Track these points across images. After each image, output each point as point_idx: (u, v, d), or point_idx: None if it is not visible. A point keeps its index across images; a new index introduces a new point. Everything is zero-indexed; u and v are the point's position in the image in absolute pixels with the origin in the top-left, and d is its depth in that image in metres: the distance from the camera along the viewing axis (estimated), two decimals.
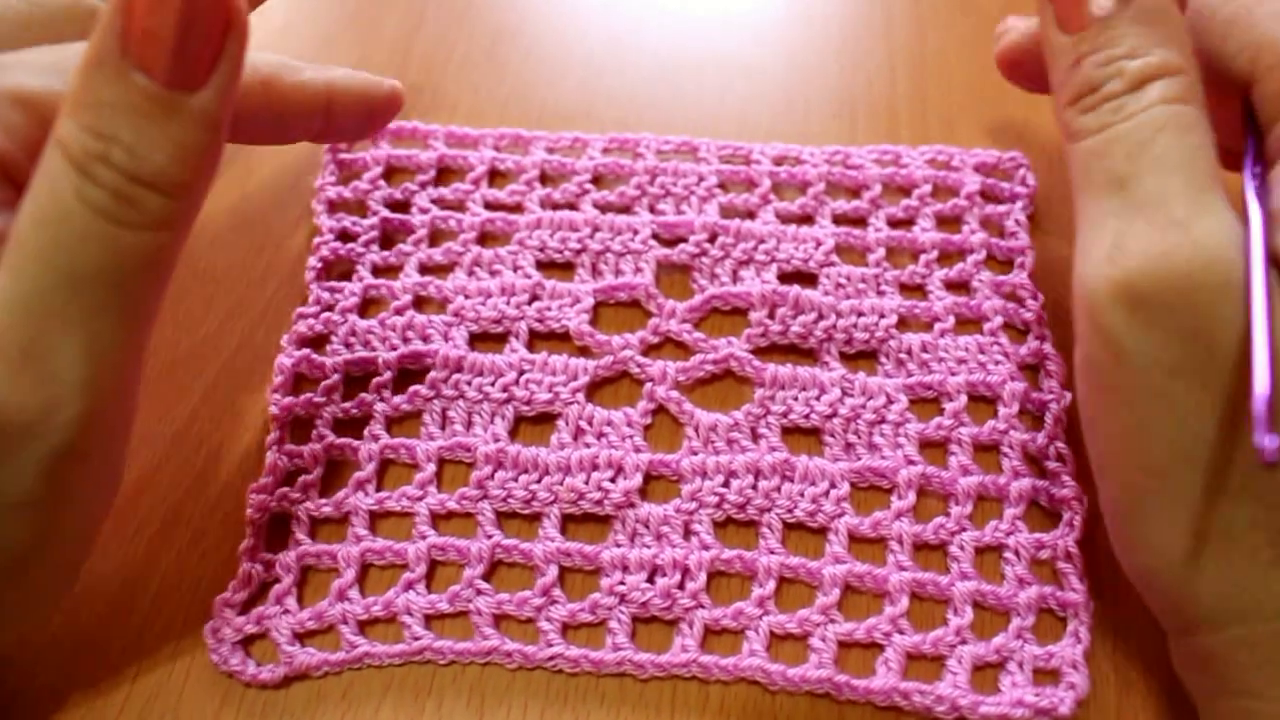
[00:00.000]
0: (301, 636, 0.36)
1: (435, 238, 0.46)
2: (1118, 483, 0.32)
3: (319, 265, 0.44)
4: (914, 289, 0.44)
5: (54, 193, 0.25)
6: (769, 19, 0.57)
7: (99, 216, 0.25)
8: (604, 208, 0.46)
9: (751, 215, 0.46)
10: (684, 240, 0.45)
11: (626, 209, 0.46)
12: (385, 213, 0.46)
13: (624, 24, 0.56)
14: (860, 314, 0.42)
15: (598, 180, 0.47)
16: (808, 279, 0.44)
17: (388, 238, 0.46)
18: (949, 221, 0.46)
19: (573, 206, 0.46)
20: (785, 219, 0.46)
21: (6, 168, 0.28)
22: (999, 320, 0.42)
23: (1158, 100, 0.29)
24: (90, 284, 0.26)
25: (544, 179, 0.48)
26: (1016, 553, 0.37)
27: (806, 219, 0.46)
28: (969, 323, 0.43)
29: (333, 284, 0.44)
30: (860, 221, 0.46)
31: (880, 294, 0.44)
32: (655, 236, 0.45)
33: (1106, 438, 0.32)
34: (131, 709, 0.35)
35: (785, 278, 0.44)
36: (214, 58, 0.26)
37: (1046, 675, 0.35)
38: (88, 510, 0.31)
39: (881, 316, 0.42)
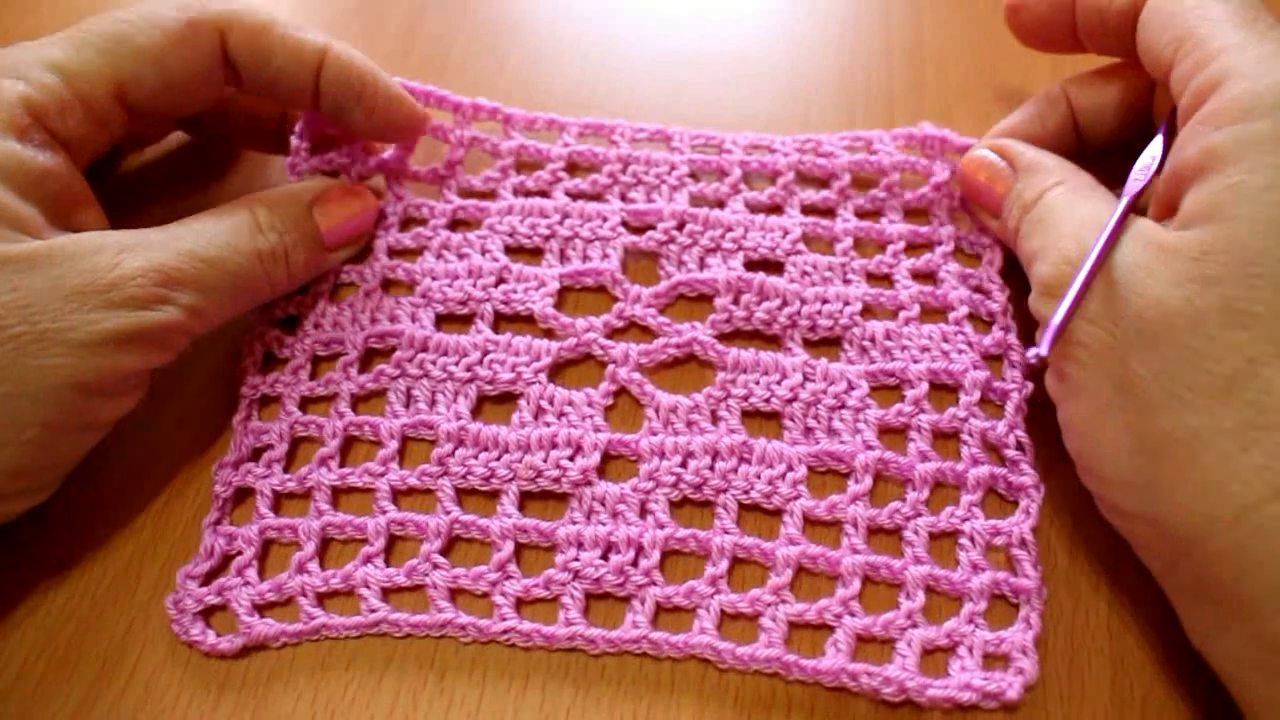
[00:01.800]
0: (261, 608, 0.37)
1: (406, 224, 0.46)
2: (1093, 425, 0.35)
3: None
4: (880, 278, 0.45)
5: (238, 226, 0.39)
6: (768, 11, 0.57)
7: (255, 253, 0.39)
8: (576, 195, 0.47)
9: (721, 204, 0.46)
10: (653, 227, 0.45)
11: (598, 197, 0.47)
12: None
13: (624, 17, 0.57)
14: (825, 300, 0.43)
15: (572, 168, 0.48)
16: (775, 267, 0.44)
17: None
18: (917, 213, 0.47)
19: (545, 194, 0.47)
20: (754, 208, 0.46)
21: (39, 114, 0.37)
22: (964, 310, 0.43)
23: (1051, 197, 0.39)
24: (220, 273, 0.38)
25: (519, 167, 0.48)
26: (972, 539, 0.37)
27: (775, 209, 0.47)
28: (934, 312, 0.43)
29: None
30: (829, 212, 0.47)
31: (846, 282, 0.44)
32: (624, 224, 0.45)
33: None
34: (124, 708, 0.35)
35: (752, 265, 0.44)
36: (347, 245, 0.44)
37: (997, 660, 0.35)
38: None
39: (846, 304, 0.43)
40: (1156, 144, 0.38)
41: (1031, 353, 0.33)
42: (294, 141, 0.44)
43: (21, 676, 0.35)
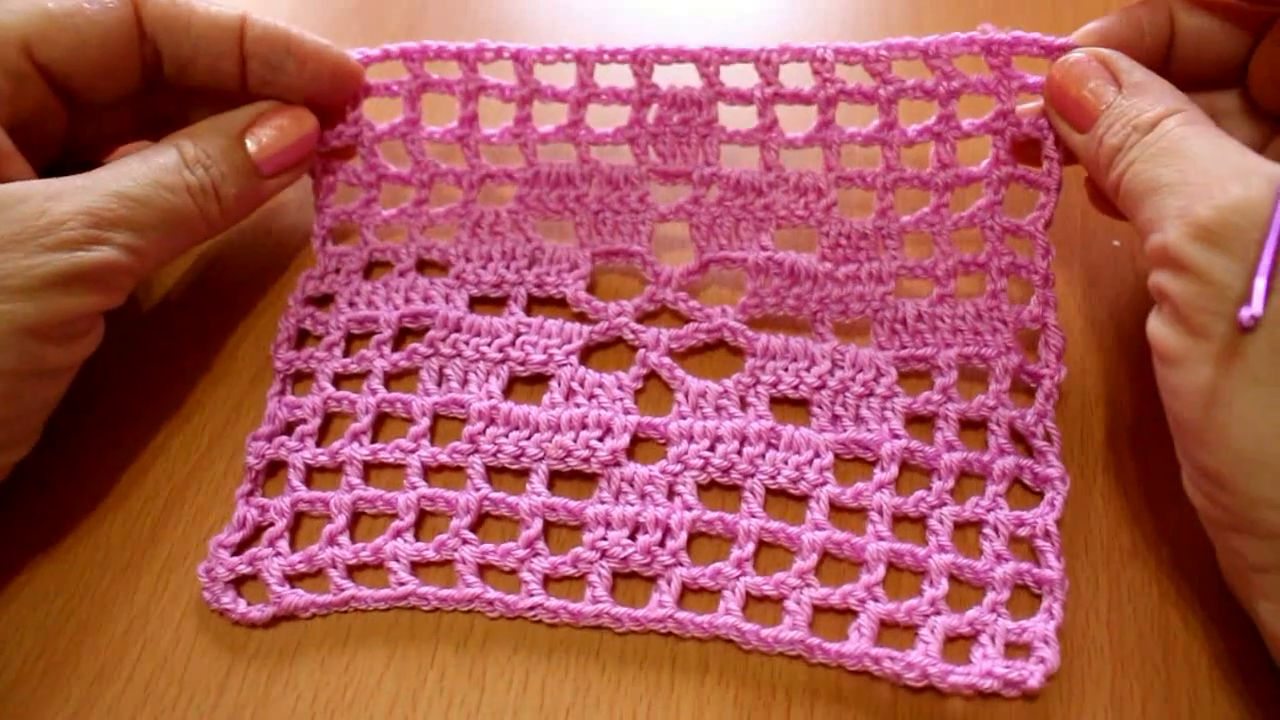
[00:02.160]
0: (292, 579, 0.37)
1: (436, 195, 0.46)
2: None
3: (323, 233, 0.45)
4: (920, 240, 0.43)
5: (165, 165, 0.39)
6: (768, 11, 0.57)
7: (185, 188, 0.39)
8: (598, 142, 0.45)
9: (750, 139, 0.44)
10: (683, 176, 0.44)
11: (632, 141, 0.44)
12: (384, 163, 0.45)
13: (624, 18, 0.57)
14: (858, 281, 0.42)
15: (591, 99, 0.45)
16: (807, 237, 0.44)
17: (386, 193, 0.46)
18: (969, 136, 0.43)
19: (570, 138, 0.45)
20: (793, 145, 0.44)
21: None
22: (1003, 283, 0.42)
23: (1174, 125, 0.35)
24: (151, 211, 0.38)
25: (537, 115, 0.45)
26: (996, 529, 0.37)
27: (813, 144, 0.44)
28: (971, 279, 0.43)
29: (341, 249, 0.45)
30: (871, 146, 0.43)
31: (885, 246, 0.43)
32: (653, 173, 0.44)
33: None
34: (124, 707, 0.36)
35: (784, 234, 0.44)
36: (287, 171, 0.43)
37: (1018, 650, 0.35)
38: None
39: (879, 283, 0.42)
40: None
41: (1247, 314, 0.30)
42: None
43: (22, 676, 0.36)
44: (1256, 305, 0.30)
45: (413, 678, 0.36)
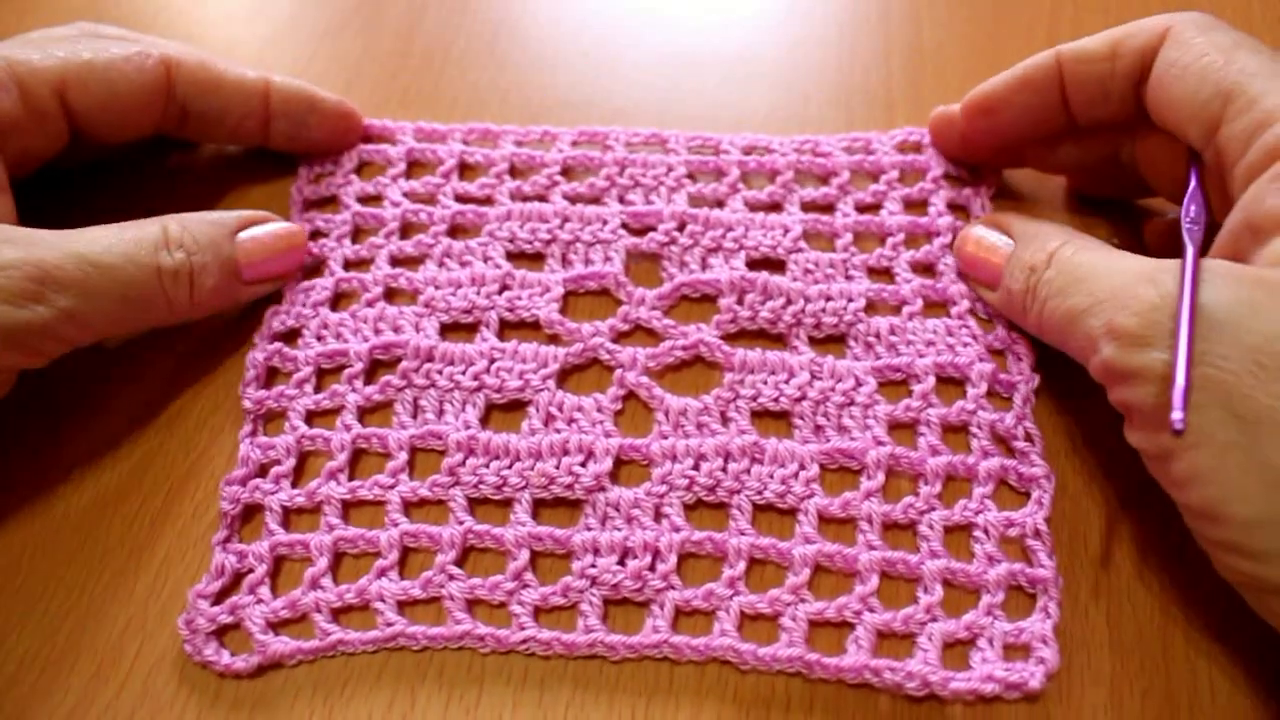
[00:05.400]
0: (276, 626, 0.36)
1: (406, 231, 0.46)
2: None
3: None
4: (881, 272, 0.45)
5: (141, 239, 0.38)
6: (767, 10, 0.58)
7: (156, 267, 0.38)
8: (573, 199, 0.47)
9: (720, 204, 0.46)
10: (653, 229, 0.45)
11: (596, 200, 0.47)
12: (357, 207, 0.46)
13: (624, 16, 0.57)
14: (829, 298, 0.43)
15: (567, 173, 0.48)
16: (776, 265, 0.44)
17: (359, 231, 0.47)
18: (916, 205, 0.47)
19: (542, 199, 0.47)
20: (754, 207, 0.46)
21: None
22: (965, 305, 0.43)
23: (1069, 254, 0.38)
24: (109, 281, 0.37)
25: (514, 172, 0.48)
26: (986, 531, 0.37)
27: (775, 207, 0.47)
28: (936, 305, 0.43)
29: (304, 281, 0.44)
30: (828, 208, 0.47)
31: (848, 278, 0.44)
32: (625, 226, 0.45)
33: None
34: (122, 705, 0.35)
35: (754, 264, 0.44)
36: (266, 283, 0.43)
37: (1017, 650, 0.35)
38: None
39: (850, 300, 0.43)
40: (1194, 195, 0.39)
41: (1177, 419, 0.31)
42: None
43: (20, 673, 0.35)
44: (1176, 410, 0.32)
45: (411, 673, 0.35)
